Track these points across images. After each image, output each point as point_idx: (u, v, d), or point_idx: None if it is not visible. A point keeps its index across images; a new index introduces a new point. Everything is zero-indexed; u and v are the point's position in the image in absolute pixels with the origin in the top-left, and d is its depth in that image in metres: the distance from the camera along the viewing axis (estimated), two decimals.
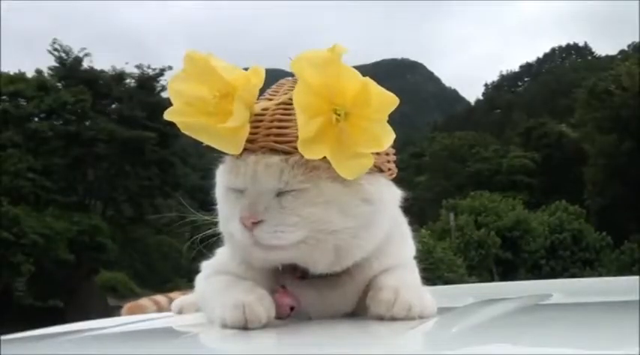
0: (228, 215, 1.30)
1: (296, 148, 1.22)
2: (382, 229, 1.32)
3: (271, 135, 1.25)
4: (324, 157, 1.21)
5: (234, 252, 1.36)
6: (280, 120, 1.26)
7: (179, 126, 1.26)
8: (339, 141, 1.21)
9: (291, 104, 1.23)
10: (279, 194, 1.23)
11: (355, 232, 1.26)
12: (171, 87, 1.29)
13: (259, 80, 1.26)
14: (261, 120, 1.27)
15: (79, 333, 1.50)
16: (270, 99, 1.30)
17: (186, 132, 1.26)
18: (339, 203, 1.24)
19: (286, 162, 1.23)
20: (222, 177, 1.31)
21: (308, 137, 1.19)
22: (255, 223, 1.22)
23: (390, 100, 1.22)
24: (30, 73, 32.69)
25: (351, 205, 1.25)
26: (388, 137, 1.23)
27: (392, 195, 1.36)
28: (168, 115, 1.28)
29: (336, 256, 1.27)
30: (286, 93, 1.29)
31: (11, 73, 31.73)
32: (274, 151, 1.24)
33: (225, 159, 1.32)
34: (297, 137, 1.20)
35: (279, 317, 1.28)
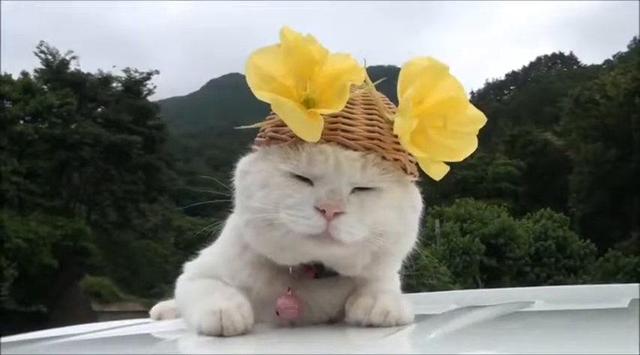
0: (282, 202, 1.23)
1: (365, 147, 1.24)
2: (415, 237, 1.35)
3: (338, 130, 1.25)
4: (388, 160, 1.26)
5: (261, 245, 1.29)
6: (345, 118, 1.26)
7: (273, 105, 1.22)
8: (429, 145, 1.27)
9: (354, 104, 1.27)
10: (356, 190, 1.23)
11: (398, 238, 1.28)
12: (253, 60, 1.25)
13: (360, 78, 1.27)
14: (322, 114, 1.25)
15: (58, 339, 1.48)
16: None
17: (277, 112, 1.23)
18: (401, 208, 1.27)
19: (366, 158, 1.23)
20: (271, 164, 1.26)
21: (406, 136, 1.23)
22: (337, 213, 1.19)
23: (478, 118, 1.31)
24: (16, 75, 32.50)
25: (407, 211, 1.29)
26: (467, 151, 1.31)
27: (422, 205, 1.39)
28: (259, 94, 1.23)
29: (372, 260, 1.27)
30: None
31: None
32: (343, 146, 1.24)
33: (260, 147, 1.31)
34: (364, 137, 1.24)
35: (282, 320, 1.29)
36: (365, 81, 1.30)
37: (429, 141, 1.27)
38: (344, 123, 1.26)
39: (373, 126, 1.27)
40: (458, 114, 1.28)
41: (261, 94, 1.22)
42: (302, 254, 1.26)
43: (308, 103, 1.23)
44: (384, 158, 1.25)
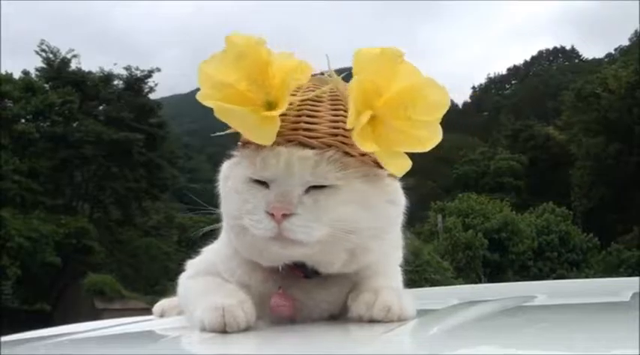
0: (243, 207, 1.26)
1: (327, 145, 1.22)
2: (398, 232, 1.35)
3: (300, 130, 1.25)
4: (355, 156, 1.23)
5: (242, 249, 1.32)
6: (309, 116, 1.26)
7: (215, 110, 1.22)
8: (388, 138, 1.22)
9: (318, 101, 1.25)
10: (310, 189, 1.22)
11: (376, 233, 1.27)
12: (203, 69, 1.26)
13: (306, 76, 1.25)
14: (285, 115, 1.25)
15: (61, 337, 1.48)
16: (293, 95, 1.29)
17: (220, 117, 1.23)
18: (368, 203, 1.25)
19: (321, 156, 1.22)
20: (241, 169, 1.29)
21: (358, 130, 1.19)
22: (286, 215, 1.20)
23: (441, 103, 1.24)
24: (17, 74, 32.50)
25: (379, 206, 1.26)
26: (433, 140, 1.25)
27: (404, 199, 1.38)
28: (202, 99, 1.24)
29: (350, 257, 1.27)
30: (312, 91, 1.28)
31: None
32: (303, 145, 1.24)
33: (238, 152, 1.31)
34: (327, 134, 1.22)
35: (275, 318, 1.28)
36: (329, 75, 1.29)
37: (392, 133, 1.23)
38: (306, 122, 1.25)
39: (337, 122, 1.26)
40: (420, 102, 1.22)
41: (207, 102, 1.23)
42: (274, 256, 1.27)
43: (270, 106, 1.22)
44: (347, 154, 1.24)
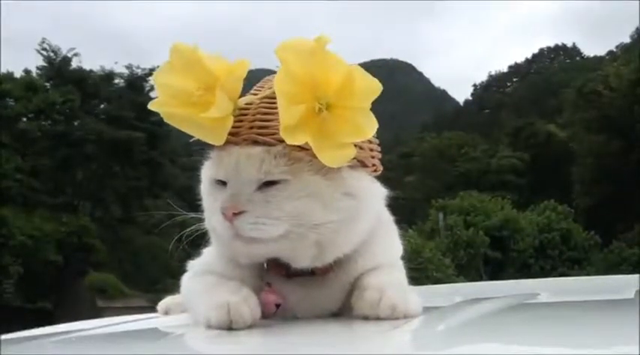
0: (211, 208, 1.29)
1: (279, 140, 1.22)
2: (365, 225, 1.31)
3: (254, 128, 1.26)
4: (308, 149, 1.21)
5: (220, 250, 1.35)
6: (264, 113, 1.27)
7: (163, 116, 1.26)
8: (322, 129, 1.21)
9: (275, 97, 1.23)
10: (262, 186, 1.23)
11: (337, 227, 1.25)
12: (157, 79, 1.29)
13: (242, 72, 1.26)
14: (245, 114, 1.27)
15: (66, 334, 1.49)
16: (256, 95, 1.31)
17: (170, 122, 1.26)
18: (321, 196, 1.23)
19: (268, 152, 1.23)
20: (207, 172, 1.32)
21: (289, 124, 1.18)
22: (236, 214, 1.21)
23: (373, 89, 1.22)
24: (18, 73, 32.52)
25: (333, 199, 1.24)
26: (371, 126, 1.24)
27: (375, 191, 1.36)
28: (152, 105, 1.28)
29: (318, 251, 1.26)
30: (271, 88, 1.28)
31: None
32: (257, 143, 1.24)
33: (210, 154, 1.32)
34: (279, 129, 1.21)
35: (265, 315, 1.27)
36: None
37: (332, 123, 1.21)
38: (261, 120, 1.26)
39: None
40: (355, 89, 1.21)
41: (156, 108, 1.27)
42: (242, 254, 1.28)
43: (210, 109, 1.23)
44: (300, 148, 1.22)
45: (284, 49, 1.21)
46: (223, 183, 1.26)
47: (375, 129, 1.24)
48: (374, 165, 1.36)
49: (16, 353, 1.26)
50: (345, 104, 1.22)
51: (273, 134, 1.24)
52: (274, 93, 1.24)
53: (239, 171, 1.23)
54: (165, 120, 1.27)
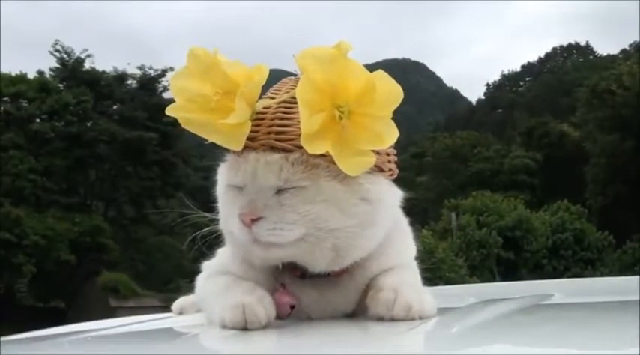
0: (227, 213, 1.29)
1: (297, 146, 1.22)
2: (382, 229, 1.31)
3: (272, 133, 1.26)
4: (326, 155, 1.21)
5: (235, 251, 1.36)
6: (281, 118, 1.26)
7: (180, 121, 1.26)
8: (342, 137, 1.21)
9: (292, 102, 1.24)
10: (279, 192, 1.23)
11: (354, 231, 1.25)
12: (174, 83, 1.29)
13: (262, 77, 1.25)
14: (262, 119, 1.27)
15: (80, 334, 1.50)
16: (272, 98, 1.30)
17: (187, 128, 1.26)
18: (339, 201, 1.23)
19: (286, 159, 1.23)
20: (223, 175, 1.32)
21: (310, 132, 1.18)
22: (254, 220, 1.22)
23: (394, 97, 1.21)
24: (31, 75, 32.74)
25: (350, 204, 1.24)
26: (391, 135, 1.23)
27: (392, 195, 1.36)
28: (170, 111, 1.28)
29: (336, 255, 1.26)
30: (288, 92, 1.28)
31: (13, 74, 31.76)
32: (275, 149, 1.24)
33: (227, 157, 1.32)
34: (298, 135, 1.20)
35: (279, 316, 1.27)
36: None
37: (352, 131, 1.21)
38: (278, 125, 1.26)
39: None
40: (376, 97, 1.20)
41: (173, 113, 1.26)
42: (259, 258, 1.29)
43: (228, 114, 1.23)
44: (319, 155, 1.22)
45: (304, 56, 1.21)
46: (238, 189, 1.27)
47: (396, 138, 1.24)
48: (390, 169, 1.35)
49: (16, 353, 1.27)
50: (365, 112, 1.21)
51: (291, 140, 1.24)
52: (291, 97, 1.24)
53: (257, 178, 1.23)
54: (183, 125, 1.26)
